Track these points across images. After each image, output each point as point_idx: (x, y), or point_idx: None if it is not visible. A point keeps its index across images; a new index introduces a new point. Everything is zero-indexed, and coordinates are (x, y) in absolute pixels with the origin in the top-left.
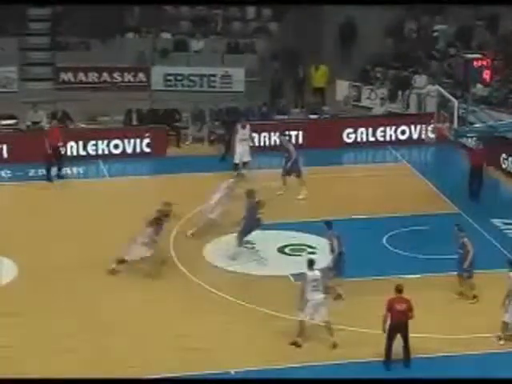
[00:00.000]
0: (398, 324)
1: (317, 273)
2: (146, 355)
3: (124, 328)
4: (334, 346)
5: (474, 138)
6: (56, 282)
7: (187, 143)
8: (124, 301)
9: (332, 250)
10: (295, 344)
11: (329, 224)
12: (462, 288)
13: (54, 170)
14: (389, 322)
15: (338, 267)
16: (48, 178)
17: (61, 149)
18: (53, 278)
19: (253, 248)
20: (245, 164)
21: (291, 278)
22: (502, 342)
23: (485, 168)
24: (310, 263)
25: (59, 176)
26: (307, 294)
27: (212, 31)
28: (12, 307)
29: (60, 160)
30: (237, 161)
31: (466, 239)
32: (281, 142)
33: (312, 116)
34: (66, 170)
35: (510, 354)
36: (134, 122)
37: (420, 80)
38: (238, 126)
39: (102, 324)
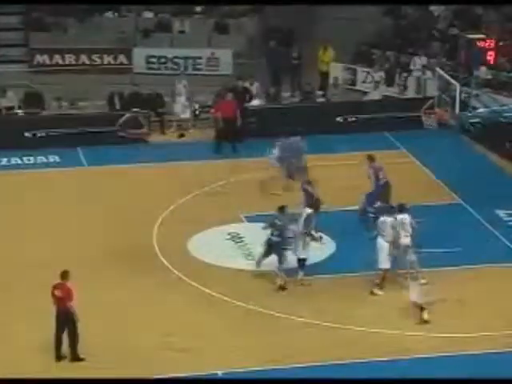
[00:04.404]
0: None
1: None
2: (129, 354)
3: (104, 327)
4: None
5: None
6: (28, 279)
7: (172, 130)
8: (104, 298)
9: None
10: None
11: None
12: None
13: None
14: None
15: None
16: (217, 151)
17: (237, 122)
18: (26, 274)
19: (241, 242)
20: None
21: None
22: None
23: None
24: None
25: (234, 151)
26: None
27: (197, 10)
28: None
29: (236, 135)
30: None
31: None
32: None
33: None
34: (50, 159)
35: (509, 355)
36: (118, 107)
37: (420, 62)
38: None
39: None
